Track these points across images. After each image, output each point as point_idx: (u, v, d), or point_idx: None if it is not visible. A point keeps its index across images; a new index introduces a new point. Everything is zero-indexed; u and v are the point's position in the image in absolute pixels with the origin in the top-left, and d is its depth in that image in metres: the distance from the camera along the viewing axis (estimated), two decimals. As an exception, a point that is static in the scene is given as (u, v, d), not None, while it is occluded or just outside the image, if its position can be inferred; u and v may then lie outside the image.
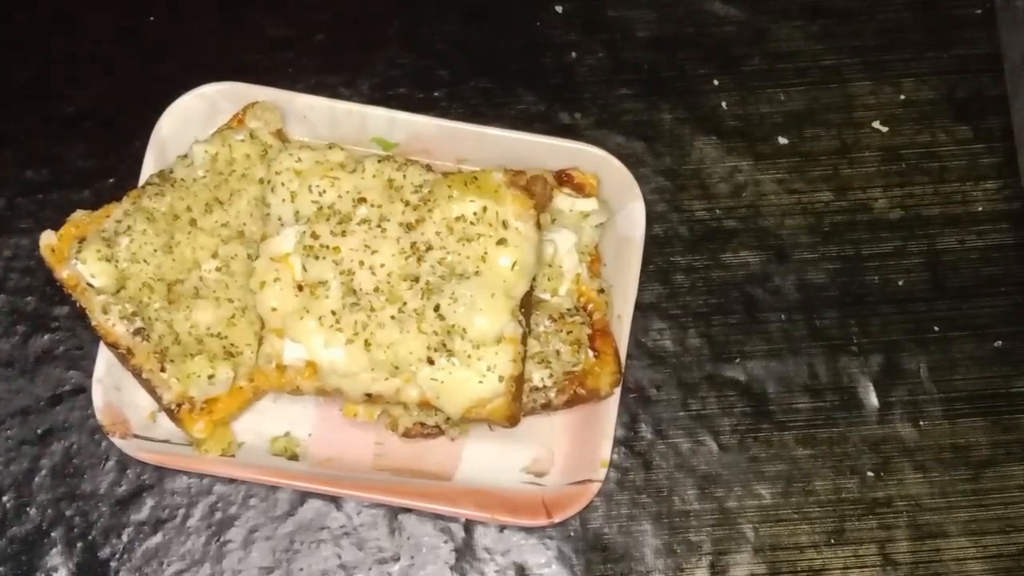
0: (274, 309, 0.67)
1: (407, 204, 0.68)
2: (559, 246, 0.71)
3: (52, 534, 0.74)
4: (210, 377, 0.69)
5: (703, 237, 0.79)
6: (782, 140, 0.81)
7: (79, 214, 0.72)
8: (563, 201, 0.73)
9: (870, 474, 0.75)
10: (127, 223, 0.70)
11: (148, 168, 0.74)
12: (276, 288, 0.67)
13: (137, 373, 0.70)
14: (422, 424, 0.71)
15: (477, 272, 0.66)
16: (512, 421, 0.67)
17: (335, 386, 0.66)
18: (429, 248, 0.67)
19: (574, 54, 0.82)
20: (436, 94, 0.80)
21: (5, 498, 0.74)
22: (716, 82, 0.82)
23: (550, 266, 0.72)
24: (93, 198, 0.78)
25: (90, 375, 0.72)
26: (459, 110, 0.80)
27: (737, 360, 0.77)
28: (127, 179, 0.76)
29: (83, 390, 0.75)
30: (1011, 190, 0.80)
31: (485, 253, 0.66)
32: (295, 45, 0.81)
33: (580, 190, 0.74)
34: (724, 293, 0.78)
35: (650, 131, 0.81)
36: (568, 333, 0.71)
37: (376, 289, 0.66)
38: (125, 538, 0.74)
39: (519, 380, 0.67)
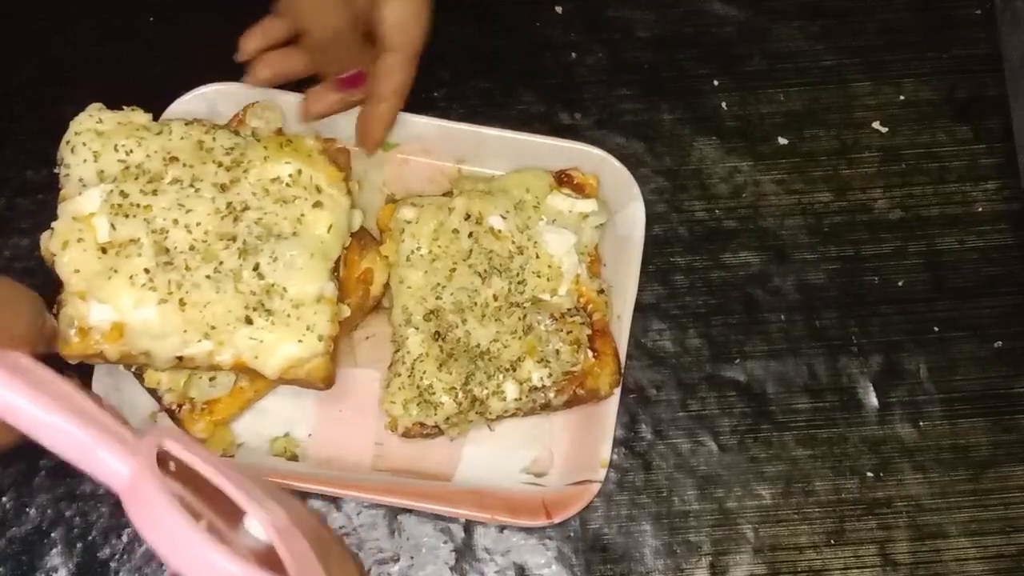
0: (77, 271, 0.65)
1: (219, 165, 0.68)
2: (559, 247, 0.71)
3: (52, 534, 0.74)
4: (211, 379, 0.69)
5: (703, 237, 0.79)
6: (782, 140, 0.81)
7: (79, 214, 0.72)
8: (562, 202, 0.73)
9: (870, 474, 0.75)
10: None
11: (148, 168, 0.74)
12: (79, 249, 0.65)
13: (137, 374, 0.71)
14: (422, 424, 0.71)
15: (295, 233, 0.67)
16: (328, 382, 0.68)
17: (143, 349, 0.65)
18: (246, 208, 0.67)
19: (574, 54, 0.82)
20: (436, 94, 0.80)
21: (5, 498, 0.74)
22: (716, 82, 0.82)
23: (550, 267, 0.72)
24: (93, 198, 0.78)
25: (90, 375, 0.72)
26: (459, 110, 0.80)
27: (737, 360, 0.77)
28: (127, 179, 0.76)
29: (83, 390, 0.75)
30: (1011, 190, 0.80)
31: (302, 215, 0.68)
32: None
33: (580, 191, 0.74)
34: (724, 293, 0.78)
35: (650, 131, 0.81)
36: (568, 333, 0.71)
37: (191, 248, 0.66)
38: (125, 538, 0.74)
39: (336, 342, 0.68)
